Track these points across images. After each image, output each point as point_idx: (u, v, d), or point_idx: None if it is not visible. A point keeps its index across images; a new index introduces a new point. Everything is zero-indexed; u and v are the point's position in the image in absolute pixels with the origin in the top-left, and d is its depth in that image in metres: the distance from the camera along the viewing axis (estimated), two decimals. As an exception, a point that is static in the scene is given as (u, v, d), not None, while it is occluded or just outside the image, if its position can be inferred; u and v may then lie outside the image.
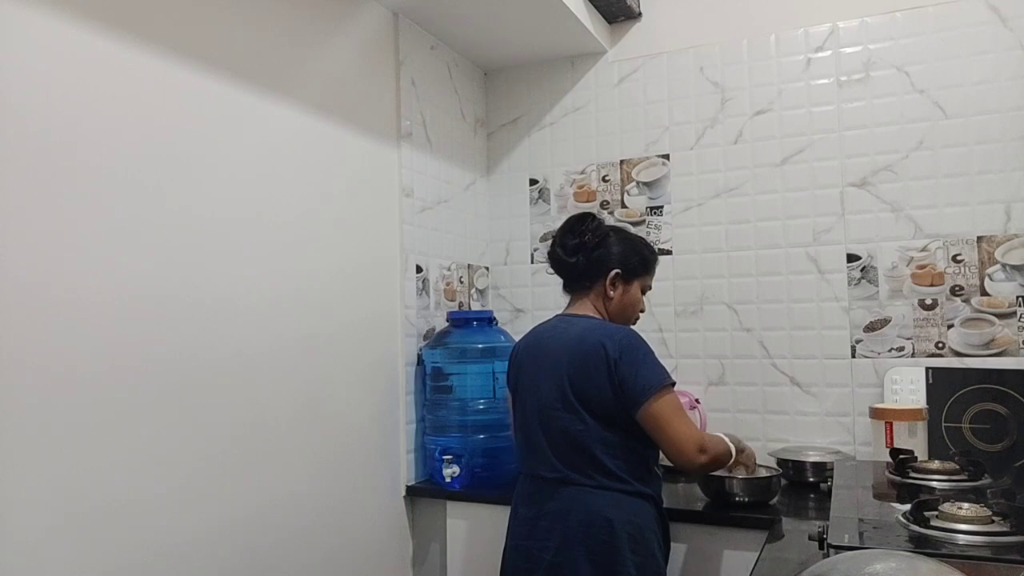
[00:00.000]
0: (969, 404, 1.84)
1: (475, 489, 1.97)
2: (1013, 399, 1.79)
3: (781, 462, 1.92)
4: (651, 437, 1.47)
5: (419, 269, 2.14)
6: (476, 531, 1.96)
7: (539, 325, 1.67)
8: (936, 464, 1.52)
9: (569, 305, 1.66)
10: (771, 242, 2.17)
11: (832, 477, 1.62)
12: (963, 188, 1.98)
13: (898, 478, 1.51)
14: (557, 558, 1.47)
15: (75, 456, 1.22)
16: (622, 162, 2.39)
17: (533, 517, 1.53)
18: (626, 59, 2.39)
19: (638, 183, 2.36)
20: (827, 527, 1.13)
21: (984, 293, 1.95)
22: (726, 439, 1.56)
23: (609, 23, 2.42)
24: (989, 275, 1.95)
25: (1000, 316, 1.93)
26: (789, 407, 2.13)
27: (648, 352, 1.50)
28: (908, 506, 1.20)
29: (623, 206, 2.38)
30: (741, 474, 1.69)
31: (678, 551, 1.66)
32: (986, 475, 1.47)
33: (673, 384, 1.48)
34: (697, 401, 2.14)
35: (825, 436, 2.08)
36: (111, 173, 1.29)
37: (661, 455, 1.53)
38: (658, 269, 1.71)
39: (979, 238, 1.96)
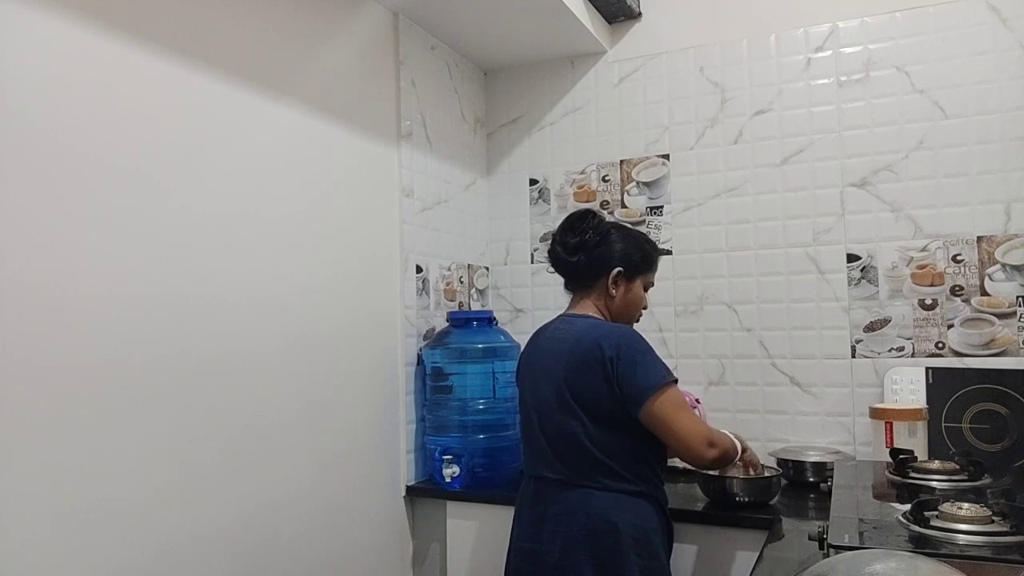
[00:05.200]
0: (969, 404, 1.84)
1: (475, 489, 1.97)
2: (1013, 399, 1.79)
3: (781, 462, 1.92)
4: (658, 436, 1.46)
5: (419, 269, 2.14)
6: (476, 531, 1.96)
7: (543, 326, 1.66)
8: (936, 464, 1.52)
9: (571, 305, 1.65)
10: (771, 242, 2.17)
11: (832, 477, 1.62)
12: (963, 188, 1.98)
13: (898, 478, 1.51)
14: (562, 561, 1.46)
15: (74, 456, 1.22)
16: (622, 162, 2.39)
17: (537, 519, 1.52)
18: (626, 59, 2.39)
19: (638, 183, 2.36)
20: (827, 527, 1.13)
21: (984, 293, 1.95)
22: (731, 435, 1.55)
23: (609, 23, 2.42)
24: (989, 275, 1.95)
25: (1000, 316, 1.93)
26: (789, 407, 2.13)
27: (647, 351, 1.49)
28: (908, 506, 1.20)
29: (623, 206, 2.38)
30: (744, 474, 1.69)
31: (678, 551, 1.66)
32: (986, 475, 1.47)
33: (675, 381, 1.47)
34: (697, 401, 2.14)
35: (825, 436, 2.08)
36: (112, 173, 1.29)
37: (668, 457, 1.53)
38: (658, 269, 1.70)
39: (979, 238, 1.96)
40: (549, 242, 1.69)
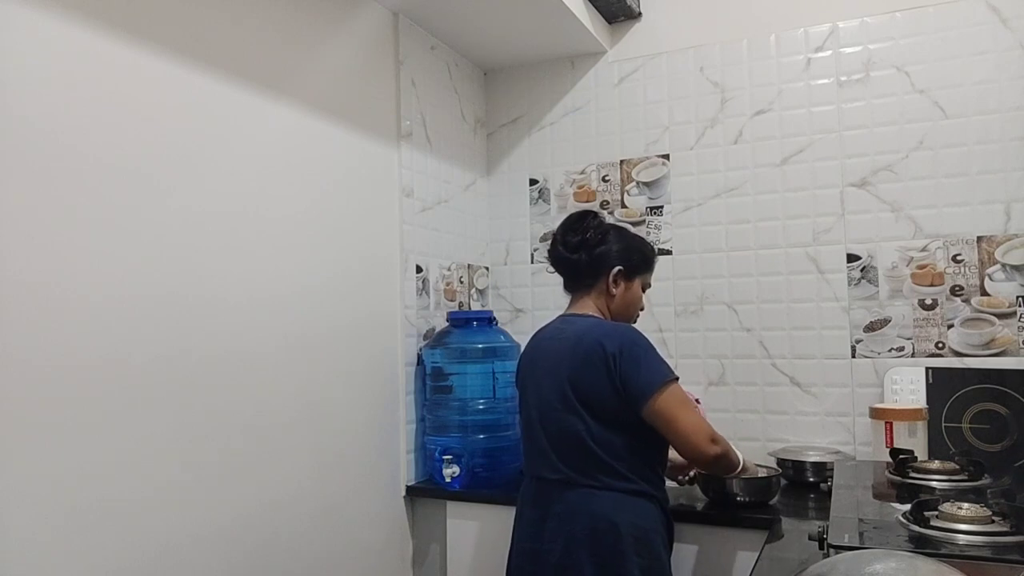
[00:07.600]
0: (969, 404, 1.84)
1: (475, 489, 1.97)
2: (1013, 399, 1.79)
3: (781, 462, 1.92)
4: (660, 433, 1.46)
5: (419, 269, 2.14)
6: (476, 531, 1.96)
7: (542, 327, 1.67)
8: (936, 464, 1.52)
9: (570, 305, 1.66)
10: (771, 242, 2.17)
11: (832, 477, 1.62)
12: (963, 188, 1.98)
13: (898, 478, 1.51)
14: (563, 560, 1.46)
15: (74, 456, 1.22)
16: (622, 162, 2.39)
17: (539, 519, 1.53)
18: (626, 59, 2.39)
19: (638, 183, 2.36)
20: (827, 527, 1.13)
21: (984, 293, 1.95)
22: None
23: (609, 23, 2.42)
24: (989, 275, 1.95)
25: (1000, 316, 1.93)
26: (789, 407, 2.13)
27: (649, 348, 1.50)
28: (908, 506, 1.20)
29: (623, 206, 2.38)
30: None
31: (678, 551, 1.66)
32: (986, 475, 1.47)
33: (677, 379, 1.48)
34: (697, 401, 2.14)
35: (825, 436, 2.08)
36: (112, 173, 1.29)
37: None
38: (658, 269, 1.72)
39: (979, 238, 1.96)
40: (549, 242, 1.69)
